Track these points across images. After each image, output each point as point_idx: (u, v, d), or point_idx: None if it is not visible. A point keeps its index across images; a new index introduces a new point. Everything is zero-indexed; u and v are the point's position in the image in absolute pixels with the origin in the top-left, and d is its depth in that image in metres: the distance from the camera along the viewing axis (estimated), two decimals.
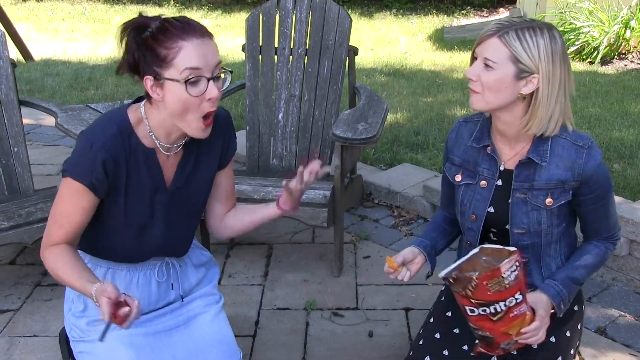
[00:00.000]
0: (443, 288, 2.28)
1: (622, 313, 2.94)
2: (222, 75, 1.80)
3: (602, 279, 3.17)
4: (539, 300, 1.89)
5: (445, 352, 2.11)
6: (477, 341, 1.87)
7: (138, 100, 1.89)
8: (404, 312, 2.97)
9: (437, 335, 2.16)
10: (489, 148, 1.98)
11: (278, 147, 3.61)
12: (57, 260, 1.86)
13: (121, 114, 1.85)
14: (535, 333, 1.82)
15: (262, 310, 3.01)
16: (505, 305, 1.72)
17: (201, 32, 1.74)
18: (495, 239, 2.11)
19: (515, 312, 1.75)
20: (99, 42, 8.83)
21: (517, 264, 1.72)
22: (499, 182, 1.99)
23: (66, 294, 2.15)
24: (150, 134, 1.85)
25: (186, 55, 1.71)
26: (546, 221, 1.94)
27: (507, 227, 2.00)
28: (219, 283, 2.30)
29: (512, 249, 1.74)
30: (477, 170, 2.02)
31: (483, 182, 2.01)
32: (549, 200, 1.92)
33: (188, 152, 1.94)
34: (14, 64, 3.36)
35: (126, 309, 1.64)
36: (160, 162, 1.90)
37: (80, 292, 1.83)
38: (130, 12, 10.87)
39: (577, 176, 1.87)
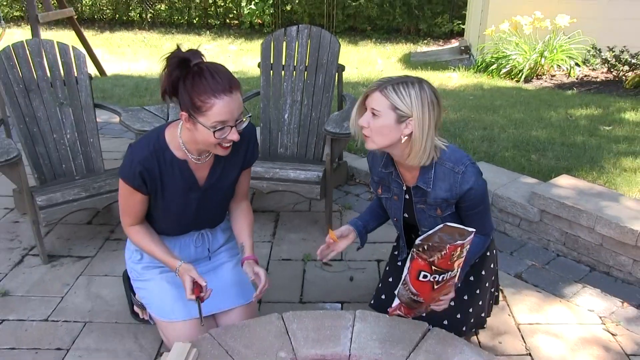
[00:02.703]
0: (395, 243, 2.28)
1: (534, 263, 2.96)
2: (245, 119, 1.74)
3: (520, 239, 3.18)
4: None
5: (396, 292, 2.13)
6: (394, 304, 1.72)
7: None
8: (376, 262, 2.98)
9: (390, 279, 2.17)
10: (393, 173, 1.95)
11: (284, 140, 3.60)
12: (139, 238, 1.94)
13: (159, 134, 1.83)
14: (446, 302, 1.74)
15: (271, 260, 3.02)
16: (450, 274, 1.62)
17: (229, 87, 1.64)
18: (414, 237, 2.12)
19: (451, 282, 1.67)
20: (154, 62, 8.77)
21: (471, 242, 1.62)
22: (407, 196, 1.97)
23: (127, 246, 2.16)
24: (184, 149, 1.83)
25: (217, 112, 1.64)
26: (442, 223, 1.90)
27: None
28: None
29: (470, 229, 1.59)
30: (390, 187, 2.00)
31: (395, 197, 2.00)
32: (438, 212, 1.89)
33: (218, 158, 1.91)
34: (91, 77, 3.35)
35: (202, 294, 1.83)
36: (193, 168, 1.88)
37: (163, 263, 1.92)
38: (177, 39, 10.79)
39: (455, 195, 1.83)
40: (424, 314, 1.79)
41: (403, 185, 1.95)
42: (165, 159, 1.82)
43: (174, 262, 1.89)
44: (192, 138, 1.77)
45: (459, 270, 1.65)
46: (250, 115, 1.78)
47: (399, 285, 1.67)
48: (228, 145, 1.74)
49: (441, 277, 1.60)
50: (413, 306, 1.67)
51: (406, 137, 1.74)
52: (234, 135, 1.70)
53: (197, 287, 1.84)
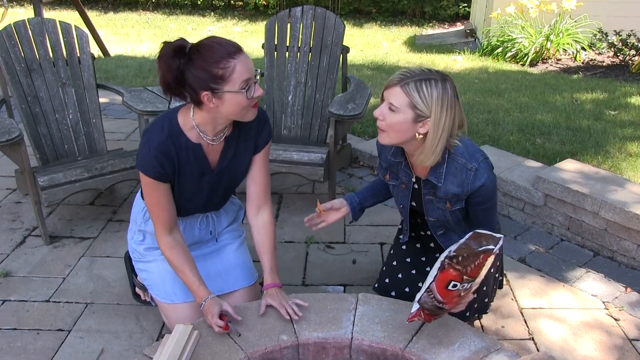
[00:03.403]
0: (400, 226, 2.25)
1: (537, 247, 2.93)
2: (257, 76, 1.74)
3: (524, 223, 3.15)
4: None
5: (400, 275, 2.11)
6: (413, 310, 1.65)
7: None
8: (380, 245, 2.96)
9: (395, 263, 2.15)
10: (403, 163, 1.90)
11: (287, 121, 3.56)
12: (174, 256, 1.85)
13: (172, 119, 1.80)
14: (464, 305, 1.70)
15: None
16: (476, 281, 1.59)
17: (238, 47, 1.65)
18: (419, 220, 2.09)
19: (475, 288, 1.63)
20: (158, 43, 8.70)
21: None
22: (416, 186, 1.93)
23: (129, 227, 2.15)
24: (198, 131, 1.80)
25: (240, 72, 1.64)
26: (449, 215, 1.88)
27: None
28: (242, 222, 2.28)
29: (498, 235, 1.54)
30: (398, 175, 1.95)
31: (403, 185, 1.95)
32: (447, 205, 1.85)
33: (229, 142, 1.89)
34: (93, 58, 3.31)
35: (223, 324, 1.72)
36: (206, 152, 1.85)
37: (191, 291, 1.84)
38: (182, 20, 10.69)
39: (467, 191, 1.79)
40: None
41: (412, 176, 1.91)
42: (181, 143, 1.80)
43: (204, 293, 1.79)
44: (211, 117, 1.76)
45: (483, 276, 1.62)
46: (262, 73, 1.78)
47: (421, 293, 1.61)
48: (255, 104, 1.75)
49: (469, 284, 1.57)
50: (436, 312, 1.63)
51: (421, 136, 1.70)
52: (259, 91, 1.72)
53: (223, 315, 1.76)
